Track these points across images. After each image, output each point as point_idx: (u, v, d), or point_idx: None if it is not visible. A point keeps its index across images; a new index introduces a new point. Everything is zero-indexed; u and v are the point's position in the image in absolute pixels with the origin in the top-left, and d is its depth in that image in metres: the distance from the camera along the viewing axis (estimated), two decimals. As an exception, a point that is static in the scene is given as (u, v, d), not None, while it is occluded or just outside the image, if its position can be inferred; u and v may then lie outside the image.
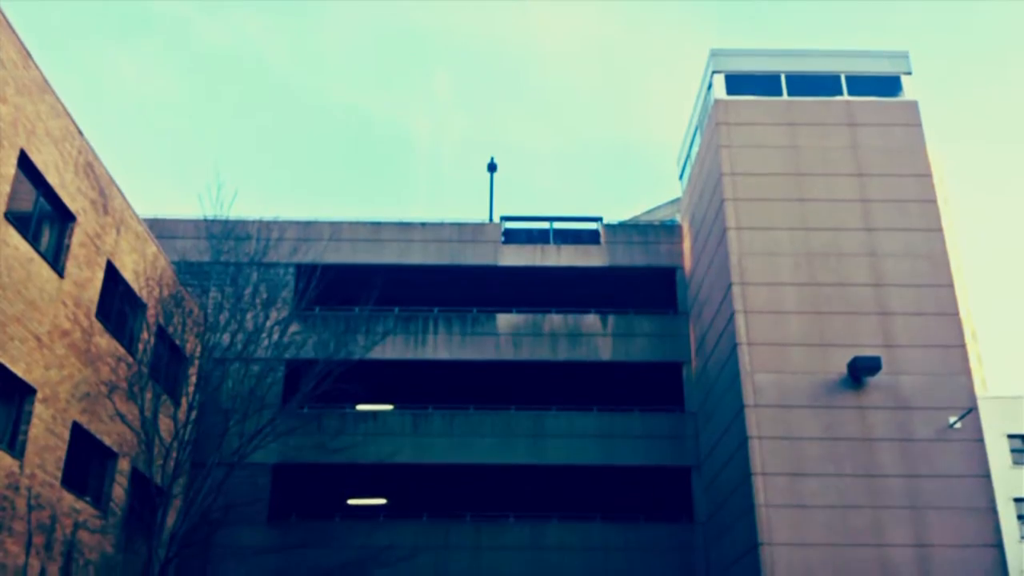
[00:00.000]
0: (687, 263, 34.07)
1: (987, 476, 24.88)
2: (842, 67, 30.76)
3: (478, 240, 34.53)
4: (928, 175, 29.04)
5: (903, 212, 28.17)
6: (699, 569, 29.51)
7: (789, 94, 30.37)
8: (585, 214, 42.01)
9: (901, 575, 23.57)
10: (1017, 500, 39.11)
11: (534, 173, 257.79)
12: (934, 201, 28.58)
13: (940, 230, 28.06)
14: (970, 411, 25.33)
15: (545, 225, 35.58)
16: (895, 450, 24.97)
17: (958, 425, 25.16)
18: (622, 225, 35.78)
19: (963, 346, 26.47)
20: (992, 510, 24.46)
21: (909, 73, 30.53)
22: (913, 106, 29.93)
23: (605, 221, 35.35)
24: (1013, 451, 39.84)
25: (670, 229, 35.65)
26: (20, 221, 18.94)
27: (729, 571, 26.74)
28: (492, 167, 39.13)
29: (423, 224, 34.63)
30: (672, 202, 53.29)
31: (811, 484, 24.61)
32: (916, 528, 24.08)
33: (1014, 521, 38.76)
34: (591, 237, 35.09)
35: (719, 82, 30.57)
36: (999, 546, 24.14)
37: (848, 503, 24.34)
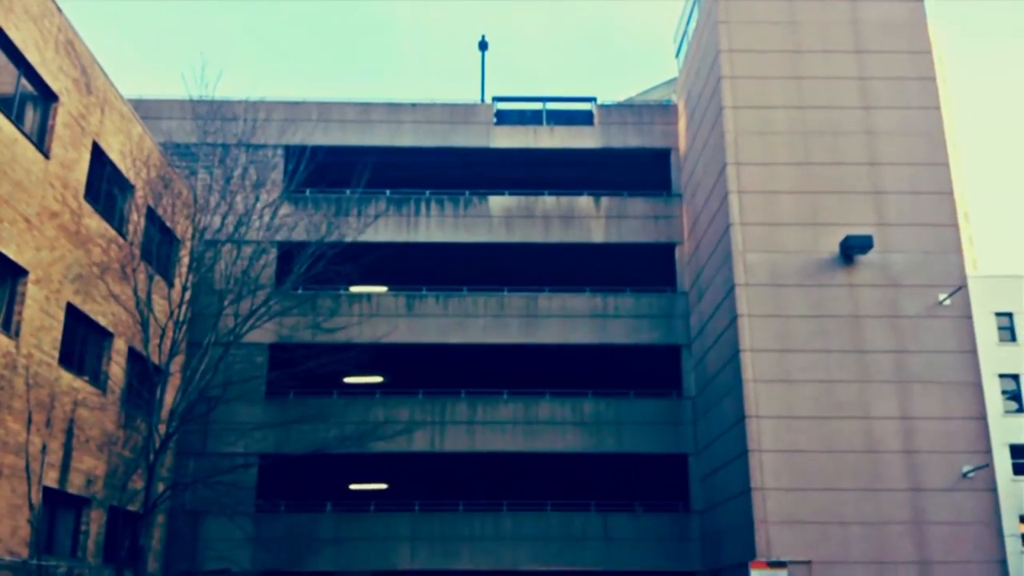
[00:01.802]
0: (682, 144, 33.72)
1: (973, 352, 25.31)
2: (844, -62, 29.73)
3: (470, 121, 34.04)
4: (928, 52, 28.50)
5: (901, 90, 27.76)
6: (687, 441, 30.32)
7: (789, -34, 29.44)
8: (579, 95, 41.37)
9: (885, 446, 24.25)
10: (1002, 376, 39.96)
11: (525, 56, 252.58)
12: (933, 79, 28.13)
13: (938, 108, 27.73)
14: (960, 289, 25.56)
15: (538, 106, 35.02)
16: (884, 327, 25.30)
17: (947, 302, 25.42)
18: (616, 106, 35.24)
19: (955, 225, 26.50)
20: (977, 385, 25.00)
21: (912, -57, 29.56)
22: (915, -22, 29.10)
23: (599, 102, 34.79)
24: (1000, 328, 40.49)
25: (665, 109, 35.13)
26: (2, 102, 18.59)
27: (716, 443, 27.46)
28: (483, 45, 38.22)
29: (413, 105, 34.07)
30: (668, 83, 52.37)
31: (799, 360, 25.03)
32: (901, 402, 24.63)
33: (999, 396, 39.69)
34: (585, 118, 34.60)
35: (717, -46, 29.57)
36: (983, 419, 24.77)
37: (835, 378, 24.82)
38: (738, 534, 25.02)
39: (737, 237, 26.30)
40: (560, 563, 29.19)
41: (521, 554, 29.23)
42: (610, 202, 33.15)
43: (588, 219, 32.92)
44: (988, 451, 24.45)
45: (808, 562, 23.33)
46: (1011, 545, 36.58)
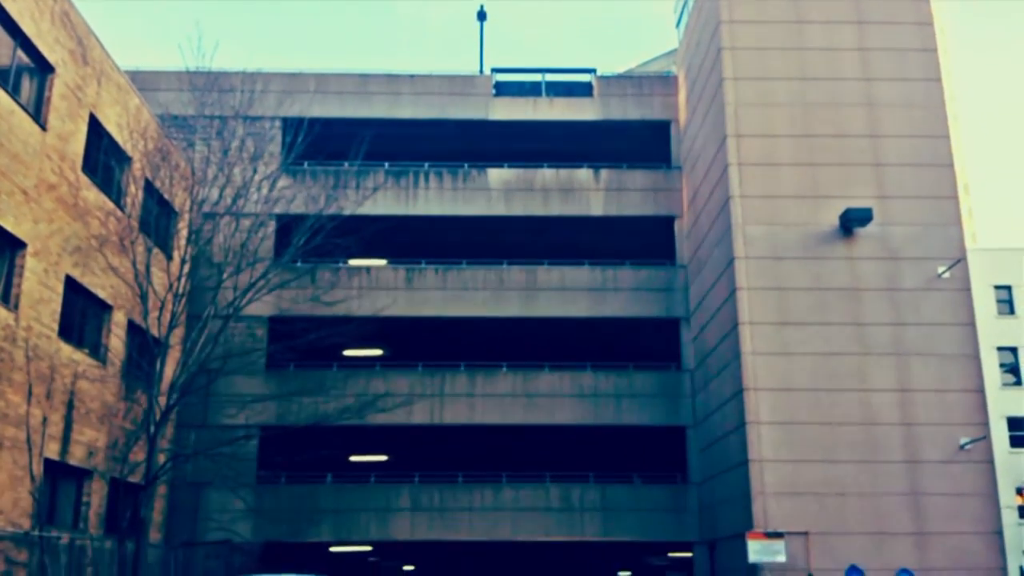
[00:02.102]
0: (682, 116, 33.55)
1: (972, 325, 25.33)
2: (846, -94, 29.39)
3: (468, 93, 33.83)
4: (929, 23, 28.30)
5: (902, 61, 27.60)
6: (685, 413, 30.43)
7: (791, -65, 29.15)
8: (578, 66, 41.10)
9: (883, 418, 24.35)
10: (1000, 349, 40.02)
11: (524, 27, 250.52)
12: (934, 50, 27.95)
13: (939, 80, 27.59)
14: (959, 261, 25.55)
15: (537, 77, 34.80)
16: (883, 299, 25.31)
17: (947, 275, 25.41)
18: (616, 77, 35.02)
19: (955, 197, 26.43)
20: (975, 357, 25.05)
21: (915, -88, 29.24)
22: (918, -52, 28.81)
23: (599, 73, 34.56)
24: (999, 301, 40.49)
25: (665, 80, 34.91)
26: (-3, 73, 18.48)
27: (714, 415, 27.55)
28: (482, 16, 37.91)
29: (411, 76, 33.84)
30: (668, 54, 51.97)
31: (798, 332, 25.05)
32: (900, 374, 24.68)
33: (997, 369, 39.76)
34: (584, 90, 34.39)
35: (718, -77, 29.27)
36: (981, 391, 24.84)
37: (834, 350, 24.86)
38: (736, 505, 25.17)
39: (737, 209, 26.23)
40: (559, 533, 29.40)
41: (520, 525, 29.44)
42: (609, 174, 33.04)
43: (587, 192, 32.83)
44: (985, 423, 24.55)
45: (805, 533, 23.49)
46: (1007, 517, 36.79)
